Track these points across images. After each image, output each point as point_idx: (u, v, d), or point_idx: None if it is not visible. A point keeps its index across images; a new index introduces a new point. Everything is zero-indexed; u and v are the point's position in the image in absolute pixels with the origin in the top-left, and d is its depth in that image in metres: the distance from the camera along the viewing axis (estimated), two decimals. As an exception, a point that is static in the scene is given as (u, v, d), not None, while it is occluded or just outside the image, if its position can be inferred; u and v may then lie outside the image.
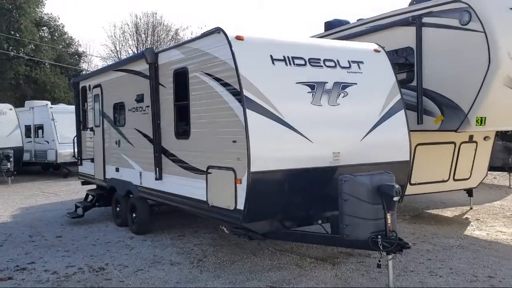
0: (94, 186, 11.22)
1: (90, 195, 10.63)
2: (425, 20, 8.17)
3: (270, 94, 5.78)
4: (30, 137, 20.88)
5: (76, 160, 15.71)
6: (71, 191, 15.34)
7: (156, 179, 7.63)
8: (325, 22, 11.07)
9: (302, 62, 6.22)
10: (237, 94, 5.68)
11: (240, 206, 5.66)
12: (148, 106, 7.99)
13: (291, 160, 5.82)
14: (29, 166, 21.29)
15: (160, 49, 7.72)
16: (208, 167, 6.31)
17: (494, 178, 15.35)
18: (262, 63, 5.93)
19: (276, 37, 6.39)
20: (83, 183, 11.79)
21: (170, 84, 7.29)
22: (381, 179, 5.63)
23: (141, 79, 8.18)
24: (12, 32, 29.36)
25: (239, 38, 5.86)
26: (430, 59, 8.06)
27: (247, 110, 5.55)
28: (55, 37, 34.89)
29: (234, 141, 5.77)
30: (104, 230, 9.20)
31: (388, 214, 5.47)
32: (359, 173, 5.69)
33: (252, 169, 5.48)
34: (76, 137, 11.43)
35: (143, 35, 40.17)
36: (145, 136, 8.16)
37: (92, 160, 10.64)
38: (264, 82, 5.82)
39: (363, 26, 9.52)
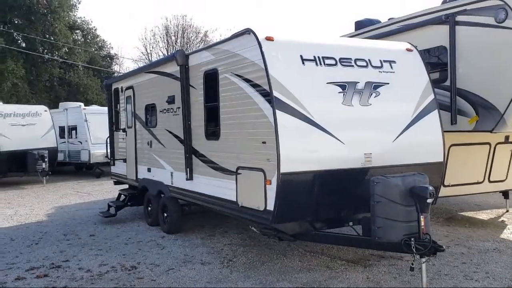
0: (126, 186, 11.42)
1: (122, 195, 10.82)
2: (459, 18, 7.99)
3: (300, 94, 5.76)
4: (64, 137, 21.43)
5: (109, 161, 16.10)
6: (104, 191, 15.66)
7: (187, 179, 7.70)
8: (355, 22, 10.97)
9: (333, 62, 6.17)
10: (267, 95, 5.68)
11: (270, 207, 5.66)
12: (179, 108, 8.08)
13: (321, 161, 5.78)
14: (63, 166, 21.84)
15: (190, 51, 7.77)
16: (238, 168, 6.33)
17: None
18: (292, 63, 5.92)
19: (306, 37, 6.37)
20: (116, 183, 12.02)
21: (200, 86, 7.35)
22: (414, 181, 5.53)
23: (172, 80, 8.27)
24: (47, 36, 30.21)
25: (269, 38, 5.87)
26: (464, 58, 7.88)
27: (277, 111, 5.54)
28: (88, 40, 35.70)
29: (264, 142, 5.77)
30: (136, 230, 9.35)
31: (421, 216, 5.37)
32: (391, 174, 5.61)
33: (282, 170, 5.47)
34: (108, 138, 11.64)
35: (173, 37, 40.69)
36: (176, 137, 8.25)
37: (125, 160, 10.83)
38: (294, 82, 5.80)
39: (395, 26, 9.38)
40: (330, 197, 5.97)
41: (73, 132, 21.08)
